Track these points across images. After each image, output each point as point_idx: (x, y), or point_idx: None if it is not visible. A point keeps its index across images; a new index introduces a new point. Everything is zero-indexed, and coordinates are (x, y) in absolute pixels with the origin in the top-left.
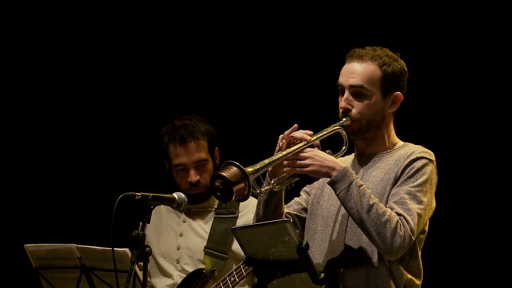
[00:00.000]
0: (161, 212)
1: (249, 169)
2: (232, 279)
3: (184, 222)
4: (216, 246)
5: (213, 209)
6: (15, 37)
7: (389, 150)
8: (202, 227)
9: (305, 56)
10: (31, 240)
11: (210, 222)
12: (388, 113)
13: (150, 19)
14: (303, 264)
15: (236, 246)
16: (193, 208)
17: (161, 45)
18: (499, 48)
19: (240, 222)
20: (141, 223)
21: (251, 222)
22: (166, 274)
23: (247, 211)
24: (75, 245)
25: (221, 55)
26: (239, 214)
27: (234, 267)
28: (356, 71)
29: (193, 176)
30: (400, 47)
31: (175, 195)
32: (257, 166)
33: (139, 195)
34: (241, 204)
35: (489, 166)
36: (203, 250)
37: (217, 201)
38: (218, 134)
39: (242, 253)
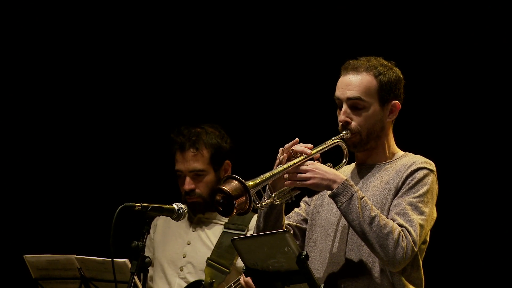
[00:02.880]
0: (170, 219)
1: (250, 183)
2: None
3: (193, 231)
4: (219, 259)
5: (223, 223)
6: (15, 38)
7: (389, 160)
8: (210, 239)
9: (305, 70)
10: (31, 251)
11: (218, 235)
12: (387, 122)
13: (160, 26)
14: (302, 275)
15: (240, 262)
16: (203, 218)
17: (168, 56)
18: (498, 52)
19: None
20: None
21: None
22: (167, 281)
23: None
24: (75, 255)
25: (223, 67)
26: (248, 232)
27: None
28: (352, 83)
29: (187, 185)
30: (395, 54)
31: (174, 206)
32: (258, 179)
33: (139, 205)
34: (251, 222)
35: (489, 174)
36: (205, 261)
37: None
38: (233, 148)
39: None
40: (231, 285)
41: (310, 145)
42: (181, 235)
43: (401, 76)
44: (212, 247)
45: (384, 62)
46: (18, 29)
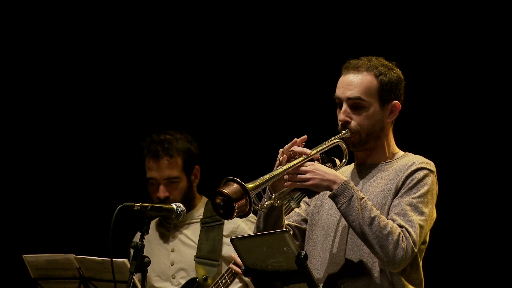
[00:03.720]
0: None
1: (250, 185)
2: (223, 281)
3: (173, 238)
4: (206, 254)
5: (199, 220)
6: (15, 39)
7: (389, 160)
8: (191, 238)
9: (303, 70)
10: (30, 251)
11: (198, 232)
12: (387, 122)
13: (145, 29)
14: (301, 274)
15: (226, 251)
16: (178, 222)
17: (159, 57)
18: (497, 52)
19: (227, 228)
20: (139, 234)
21: (238, 228)
22: None
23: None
24: (74, 255)
25: (218, 67)
26: (225, 221)
27: None
28: (353, 83)
29: (161, 192)
30: (396, 55)
31: (173, 205)
32: (258, 181)
33: (138, 205)
34: None
35: (489, 175)
36: (194, 260)
37: (202, 212)
38: (201, 153)
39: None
40: (223, 275)
41: (304, 136)
42: (163, 245)
43: (402, 77)
44: (196, 246)
45: (385, 62)
46: (12, 31)
